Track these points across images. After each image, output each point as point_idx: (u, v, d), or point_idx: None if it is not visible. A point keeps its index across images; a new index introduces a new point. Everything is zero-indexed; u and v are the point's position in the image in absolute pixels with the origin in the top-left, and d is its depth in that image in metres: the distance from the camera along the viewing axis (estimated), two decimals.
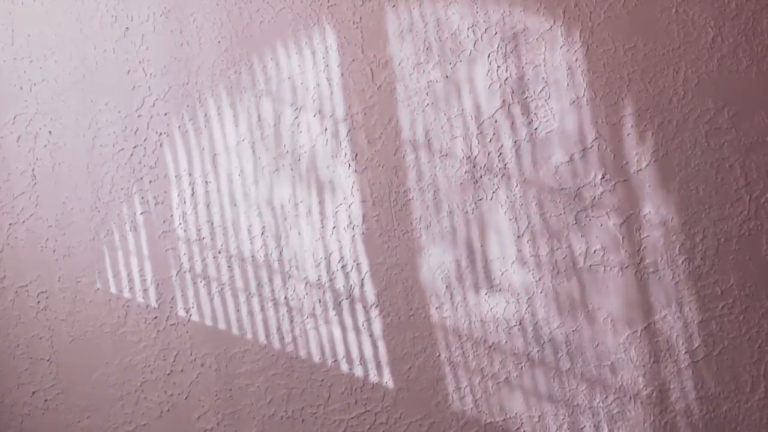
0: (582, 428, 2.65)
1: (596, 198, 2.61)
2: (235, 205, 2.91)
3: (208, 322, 2.95)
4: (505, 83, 2.66)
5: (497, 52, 2.66)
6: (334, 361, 2.85)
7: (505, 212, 2.68)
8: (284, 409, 2.89)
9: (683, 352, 2.57)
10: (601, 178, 2.60)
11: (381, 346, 2.81)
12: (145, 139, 2.98)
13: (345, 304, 2.83)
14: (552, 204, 2.64)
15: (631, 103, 2.56)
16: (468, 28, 2.68)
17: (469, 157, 2.70)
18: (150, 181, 2.97)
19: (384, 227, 2.79)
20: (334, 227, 2.82)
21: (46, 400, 3.11)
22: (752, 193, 2.49)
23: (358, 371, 2.83)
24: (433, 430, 2.78)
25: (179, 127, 2.94)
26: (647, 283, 2.58)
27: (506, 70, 2.66)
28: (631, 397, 2.61)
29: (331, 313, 2.84)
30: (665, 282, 2.57)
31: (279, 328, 2.89)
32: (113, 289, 3.03)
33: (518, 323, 2.69)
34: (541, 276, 2.66)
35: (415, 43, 2.73)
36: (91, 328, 3.05)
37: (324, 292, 2.84)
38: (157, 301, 2.99)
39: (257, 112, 2.87)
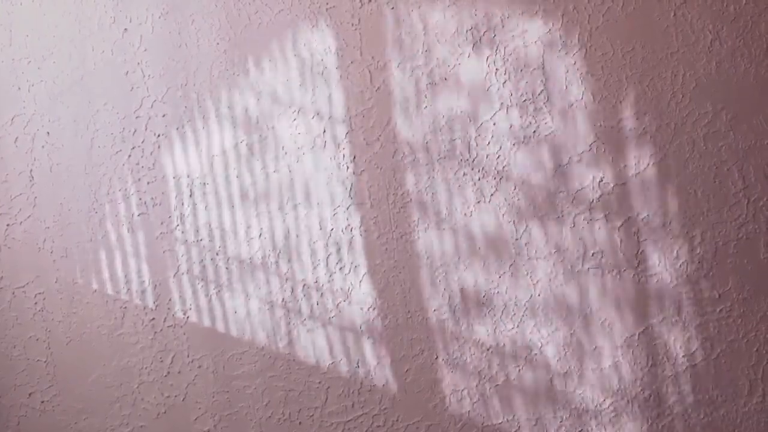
0: (579, 431, 2.65)
1: (594, 201, 2.61)
2: (232, 206, 2.91)
3: (206, 323, 2.95)
4: (503, 86, 2.66)
5: (495, 54, 2.66)
6: (332, 363, 2.84)
7: (503, 215, 2.68)
8: (281, 411, 2.89)
9: (681, 355, 2.57)
10: (599, 181, 2.60)
11: (378, 348, 2.81)
12: (143, 141, 2.98)
13: (343, 305, 2.83)
14: (550, 207, 2.64)
15: (629, 106, 2.57)
16: (467, 31, 2.68)
17: (467, 159, 2.70)
18: (148, 183, 2.97)
19: (382, 229, 2.79)
20: (332, 229, 2.82)
21: (42, 402, 3.10)
22: (750, 196, 2.50)
23: (356, 373, 2.83)
24: None
25: (177, 128, 2.94)
26: (645, 286, 2.58)
27: (504, 73, 2.66)
28: (628, 401, 2.61)
29: (329, 315, 2.84)
30: (663, 285, 2.57)
31: (277, 330, 2.88)
32: (110, 291, 3.02)
33: (516, 326, 2.69)
34: (539, 279, 2.66)
35: (413, 46, 2.73)
36: (88, 329, 3.05)
37: (322, 294, 2.84)
38: (154, 302, 2.99)
39: (255, 113, 2.87)
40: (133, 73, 2.98)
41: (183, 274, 2.96)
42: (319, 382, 2.86)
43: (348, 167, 2.80)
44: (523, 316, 2.68)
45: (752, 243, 2.50)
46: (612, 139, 2.59)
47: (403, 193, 2.76)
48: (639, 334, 2.59)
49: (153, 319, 2.99)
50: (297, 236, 2.85)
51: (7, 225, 3.12)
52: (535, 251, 2.66)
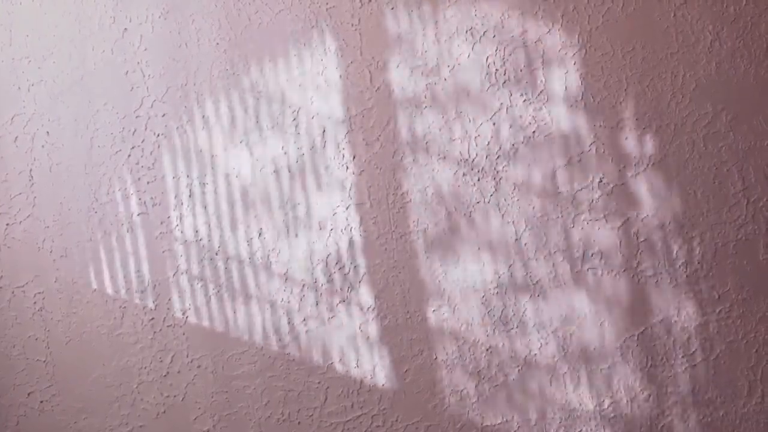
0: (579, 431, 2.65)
1: (594, 201, 2.61)
2: (232, 206, 2.91)
3: (205, 323, 2.95)
4: (503, 86, 2.66)
5: (495, 54, 2.66)
6: (331, 363, 2.84)
7: (503, 215, 2.68)
8: (281, 412, 2.89)
9: (680, 356, 2.56)
10: (599, 182, 2.60)
11: (378, 348, 2.80)
12: (143, 140, 2.98)
13: (342, 306, 2.83)
14: (550, 207, 2.64)
15: (629, 106, 2.57)
16: (466, 31, 2.68)
17: (467, 159, 2.70)
18: (147, 182, 2.97)
19: (381, 230, 2.79)
20: (331, 229, 2.82)
21: (42, 402, 3.10)
22: (750, 197, 2.50)
23: (355, 374, 2.83)
24: None
25: (177, 128, 2.94)
26: (644, 286, 2.58)
27: (504, 73, 2.66)
28: (628, 401, 2.61)
29: (329, 315, 2.84)
30: (662, 286, 2.57)
31: (276, 330, 2.88)
32: (110, 290, 3.02)
33: (515, 326, 2.69)
34: (539, 279, 2.66)
35: (413, 46, 2.73)
36: (87, 329, 3.05)
37: (321, 294, 2.84)
38: (154, 302, 2.99)
39: (255, 113, 2.87)
40: (133, 72, 2.98)
41: (182, 273, 2.96)
42: (319, 383, 2.86)
43: (348, 167, 2.80)
44: (522, 316, 2.68)
45: (752, 244, 2.50)
46: (612, 139, 2.59)
47: (403, 193, 2.76)
48: (638, 335, 2.59)
49: (152, 318, 2.99)
50: (296, 236, 2.85)
51: (7, 224, 3.12)
52: (535, 251, 2.66)
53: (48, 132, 3.06)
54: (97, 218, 3.02)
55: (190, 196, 2.94)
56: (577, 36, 2.60)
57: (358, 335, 2.82)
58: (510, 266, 2.68)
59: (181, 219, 2.95)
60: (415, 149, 2.75)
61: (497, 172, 2.68)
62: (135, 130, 2.98)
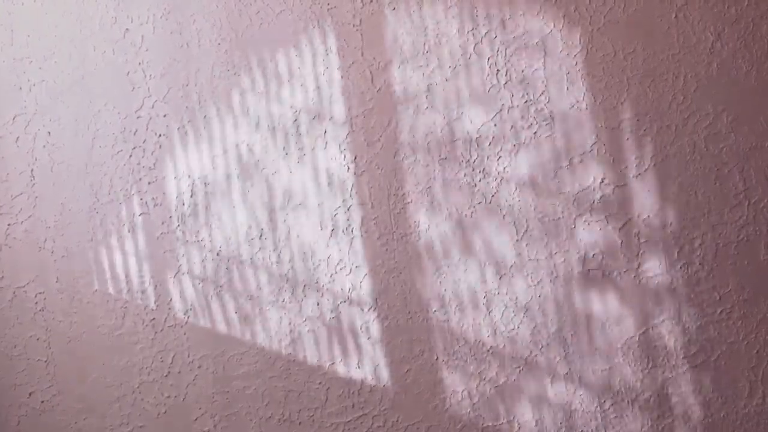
0: None
1: (595, 202, 2.61)
2: (233, 206, 2.91)
3: (206, 324, 2.95)
4: (504, 87, 2.66)
5: (497, 55, 2.66)
6: (332, 363, 2.84)
7: (503, 216, 2.68)
8: (281, 412, 2.89)
9: (681, 357, 2.56)
10: (600, 183, 2.60)
11: (379, 349, 2.81)
12: (144, 141, 2.98)
13: (343, 306, 2.83)
14: (551, 208, 2.64)
15: (630, 107, 2.57)
16: (468, 32, 2.68)
17: (468, 160, 2.70)
18: (149, 183, 2.97)
19: (382, 230, 2.79)
20: (332, 230, 2.82)
21: (42, 401, 3.10)
22: (751, 198, 2.49)
23: (356, 374, 2.83)
24: None
25: (178, 128, 2.95)
26: (645, 287, 2.58)
27: (506, 74, 2.66)
28: (628, 402, 2.61)
29: (329, 315, 2.84)
30: (663, 287, 2.57)
31: (277, 331, 2.88)
32: (111, 291, 3.03)
33: (516, 327, 2.69)
34: (539, 280, 2.66)
35: (414, 46, 2.73)
36: (88, 329, 3.05)
37: (322, 294, 2.84)
38: (155, 302, 2.99)
39: (256, 114, 2.88)
40: (135, 73, 2.98)
41: (183, 274, 2.96)
42: (319, 383, 2.86)
43: (349, 168, 2.80)
44: (523, 317, 2.68)
45: (753, 245, 2.50)
46: (613, 140, 2.59)
47: (404, 193, 2.76)
48: (639, 336, 2.59)
49: (153, 319, 2.99)
50: (298, 236, 2.85)
51: (8, 224, 3.12)
52: (536, 252, 2.66)
53: (49, 132, 3.07)
54: (98, 218, 3.02)
55: (191, 196, 2.94)
56: (578, 37, 2.60)
57: (358, 335, 2.82)
58: (511, 267, 2.68)
59: (182, 219, 2.95)
60: (416, 150, 2.75)
61: (498, 172, 2.68)
62: (136, 131, 2.98)
